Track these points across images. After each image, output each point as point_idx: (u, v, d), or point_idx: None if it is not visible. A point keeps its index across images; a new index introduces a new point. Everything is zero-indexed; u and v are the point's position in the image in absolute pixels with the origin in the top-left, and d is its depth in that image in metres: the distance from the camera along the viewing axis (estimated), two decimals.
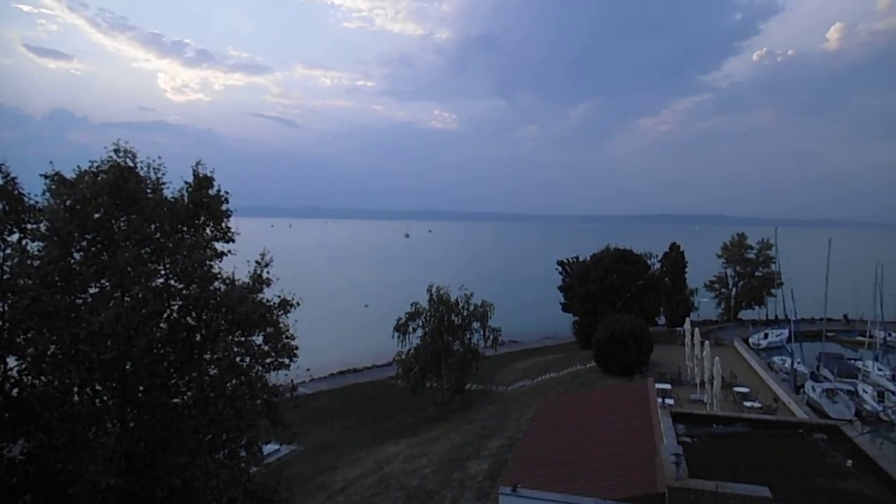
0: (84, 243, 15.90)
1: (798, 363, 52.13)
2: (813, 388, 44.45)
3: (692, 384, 38.77)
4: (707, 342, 35.89)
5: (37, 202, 16.20)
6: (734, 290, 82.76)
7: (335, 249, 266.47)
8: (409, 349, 49.40)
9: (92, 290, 15.81)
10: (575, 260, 72.39)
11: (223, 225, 18.68)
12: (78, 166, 16.57)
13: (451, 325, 49.72)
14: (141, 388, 15.87)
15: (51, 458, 14.13)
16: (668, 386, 38.15)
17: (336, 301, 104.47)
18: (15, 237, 15.87)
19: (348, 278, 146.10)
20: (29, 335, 14.86)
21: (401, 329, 50.53)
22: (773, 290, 77.69)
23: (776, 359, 56.62)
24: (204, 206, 18.00)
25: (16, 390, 15.35)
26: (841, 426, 20.38)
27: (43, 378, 15.03)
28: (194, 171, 18.25)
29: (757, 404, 34.84)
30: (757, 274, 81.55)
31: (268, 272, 18.55)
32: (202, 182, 18.17)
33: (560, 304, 70.56)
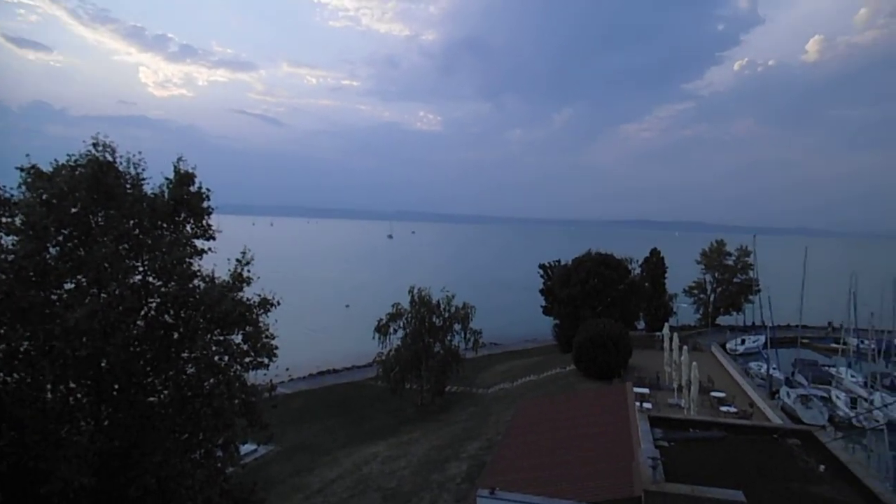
0: (60, 238, 15.63)
1: (773, 369, 52.96)
2: (788, 393, 45.17)
3: (670, 389, 39.15)
4: (685, 347, 36.27)
5: (12, 195, 15.89)
6: (713, 295, 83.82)
7: (317, 249, 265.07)
8: (390, 350, 49.23)
9: (68, 286, 15.55)
10: (556, 263, 72.75)
11: (204, 222, 18.51)
12: (55, 160, 16.30)
13: (432, 326, 49.63)
14: (116, 385, 15.65)
15: (22, 456, 13.85)
16: (646, 390, 38.47)
17: (317, 301, 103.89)
18: None
19: (330, 278, 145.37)
20: (1, 331, 14.58)
21: (381, 330, 50.32)
22: (750, 297, 78.81)
23: (752, 364, 57.47)
24: (184, 202, 17.82)
25: None
26: (814, 432, 20.72)
27: (15, 375, 14.75)
28: (175, 167, 18.07)
29: (733, 409, 35.25)
30: (735, 280, 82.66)
31: (248, 271, 18.43)
32: (183, 178, 17.99)
33: (541, 307, 70.87)
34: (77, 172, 15.82)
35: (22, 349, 14.44)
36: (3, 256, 14.45)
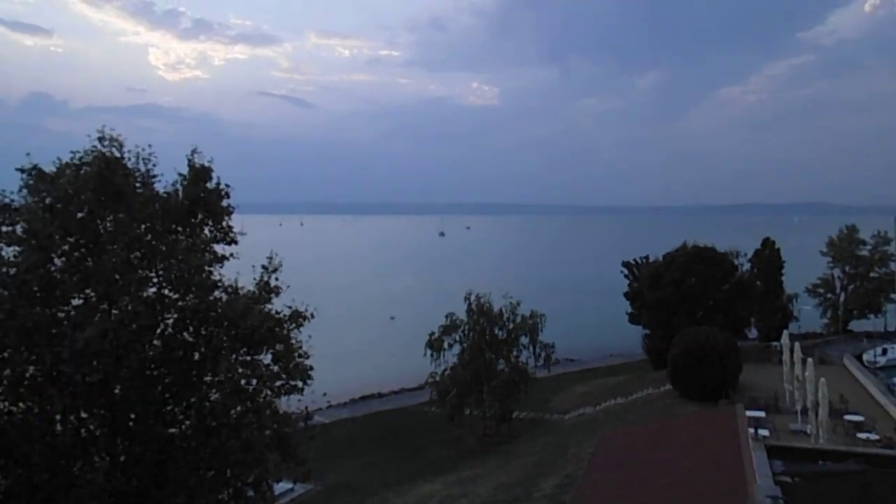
0: (66, 247, 16.31)
1: None
2: None
3: (792, 411, 37.95)
4: (810, 360, 35.06)
5: (12, 200, 16.64)
6: (843, 295, 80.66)
7: (355, 251, 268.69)
8: (445, 369, 49.35)
9: (75, 302, 16.19)
10: (644, 260, 71.56)
11: (224, 224, 19.02)
12: (58, 158, 16.99)
13: (494, 340, 49.53)
14: (132, 415, 16.19)
15: (31, 497, 14.50)
16: (761, 414, 37.38)
17: (357, 313, 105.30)
18: None
19: (371, 286, 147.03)
20: (5, 354, 15.23)
21: (434, 345, 50.55)
22: (892, 296, 75.43)
23: None
24: (201, 202, 18.34)
25: None
26: None
27: (21, 404, 15.42)
28: (190, 160, 18.59)
29: (874, 436, 33.91)
30: (872, 275, 79.20)
31: (276, 279, 18.81)
32: (199, 174, 18.50)
33: (627, 314, 69.88)
34: (82, 172, 16.48)
35: (27, 375, 15.08)
36: (4, 270, 15.13)
